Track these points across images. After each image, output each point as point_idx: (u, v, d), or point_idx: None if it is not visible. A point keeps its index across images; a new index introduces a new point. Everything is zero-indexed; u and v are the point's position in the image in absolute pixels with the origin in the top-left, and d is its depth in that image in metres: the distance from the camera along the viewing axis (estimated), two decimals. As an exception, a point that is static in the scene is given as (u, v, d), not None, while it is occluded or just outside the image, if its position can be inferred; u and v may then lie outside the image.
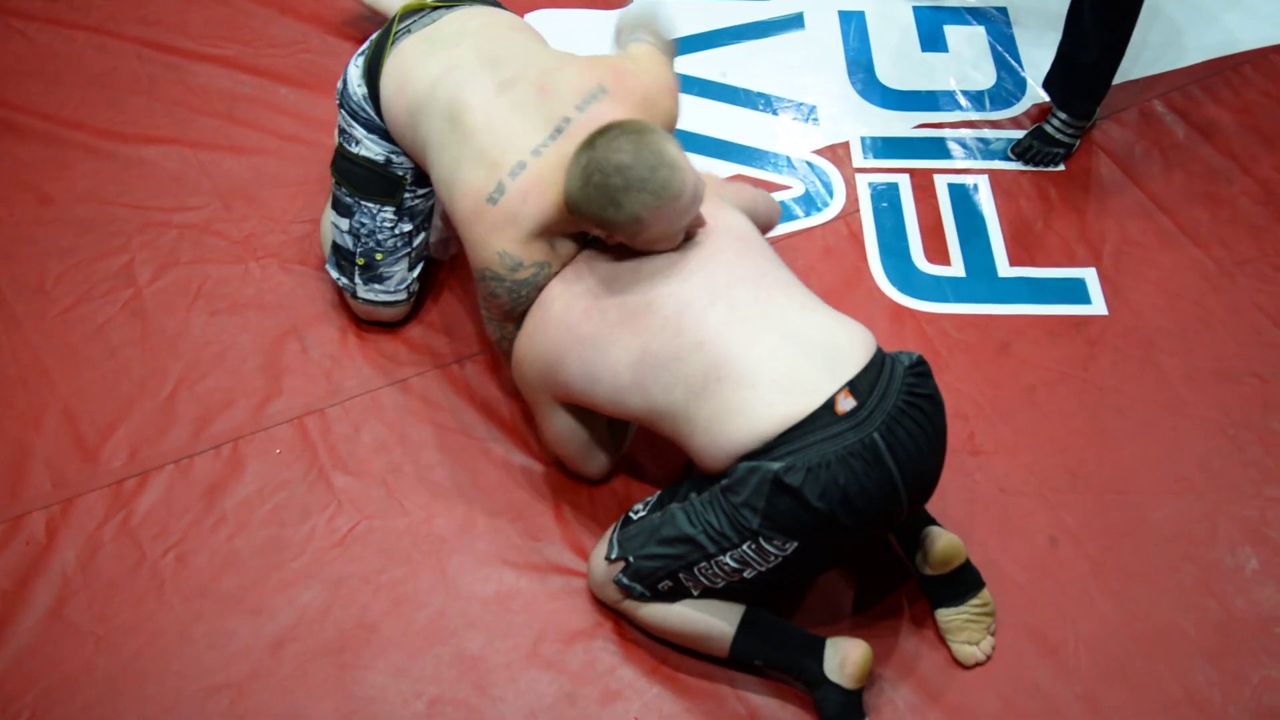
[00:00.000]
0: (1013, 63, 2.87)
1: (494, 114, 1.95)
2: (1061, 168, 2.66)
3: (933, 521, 1.99)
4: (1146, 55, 2.84)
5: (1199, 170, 2.66)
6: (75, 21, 2.80)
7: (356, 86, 2.16)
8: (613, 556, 1.90)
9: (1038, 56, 2.87)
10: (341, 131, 2.21)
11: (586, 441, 2.05)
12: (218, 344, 2.32)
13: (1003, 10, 2.97)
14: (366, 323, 2.33)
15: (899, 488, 1.77)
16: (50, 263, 2.41)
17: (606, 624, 2.00)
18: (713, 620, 1.89)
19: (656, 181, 1.76)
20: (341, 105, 2.20)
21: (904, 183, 2.64)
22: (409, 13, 2.16)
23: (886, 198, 2.62)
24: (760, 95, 2.79)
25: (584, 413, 2.01)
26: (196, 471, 2.15)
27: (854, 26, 2.93)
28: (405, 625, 1.99)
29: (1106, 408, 2.28)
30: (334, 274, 2.28)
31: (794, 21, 2.94)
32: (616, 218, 1.79)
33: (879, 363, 1.81)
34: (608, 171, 1.77)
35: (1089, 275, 2.49)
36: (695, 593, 1.87)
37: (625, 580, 1.89)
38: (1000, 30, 2.93)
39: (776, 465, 1.72)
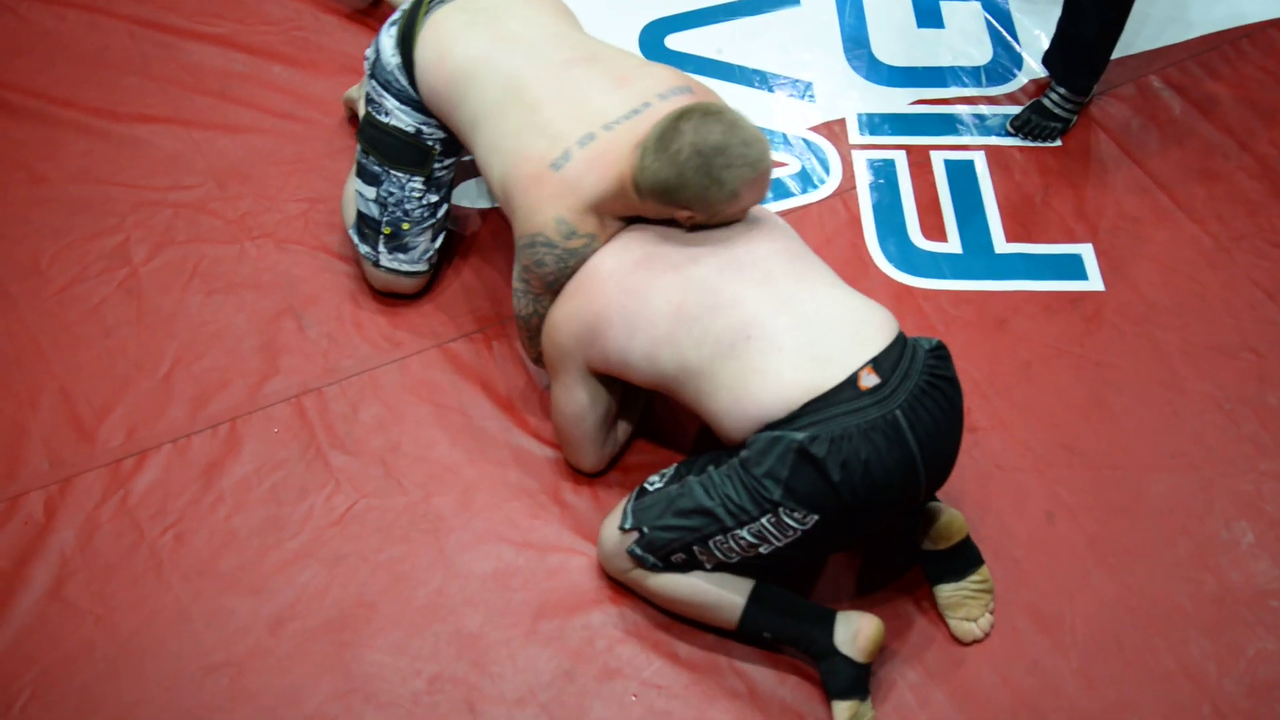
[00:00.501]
0: (1009, 39, 2.86)
1: (564, 87, 1.98)
2: (1059, 143, 2.65)
3: (934, 498, 2.00)
4: (1144, 31, 2.83)
5: (1196, 146, 2.65)
6: (66, 0, 2.78)
7: (390, 56, 2.15)
8: (627, 526, 1.91)
9: (1034, 33, 2.86)
10: (370, 101, 2.21)
11: (597, 423, 2.05)
12: (214, 323, 2.31)
13: (999, -15, 2.96)
14: (382, 294, 2.33)
15: (918, 467, 1.79)
16: (44, 243, 2.40)
17: (605, 601, 2.01)
18: (723, 591, 1.89)
19: (753, 155, 1.83)
20: (373, 75, 2.19)
21: (900, 159, 2.63)
22: None
23: (883, 174, 2.61)
24: (756, 72, 2.78)
25: (602, 394, 2.02)
26: (194, 451, 2.15)
27: (850, 2, 2.92)
28: (404, 603, 2.00)
29: (1103, 383, 2.29)
30: (357, 241, 2.28)
31: (790, -2, 2.93)
32: (718, 195, 1.84)
33: (901, 344, 1.84)
34: (707, 153, 1.81)
35: (1086, 251, 2.49)
36: (708, 566, 1.88)
37: (638, 551, 1.90)
38: (996, 6, 2.92)
39: (801, 435, 1.74)
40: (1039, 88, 2.75)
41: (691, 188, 1.83)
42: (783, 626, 1.90)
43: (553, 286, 1.99)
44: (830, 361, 1.78)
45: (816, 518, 1.77)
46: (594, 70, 2.02)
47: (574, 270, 1.96)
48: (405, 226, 2.21)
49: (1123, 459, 2.19)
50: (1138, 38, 2.81)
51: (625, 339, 1.90)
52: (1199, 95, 2.73)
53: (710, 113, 1.83)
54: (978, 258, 2.48)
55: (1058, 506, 2.13)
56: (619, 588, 2.01)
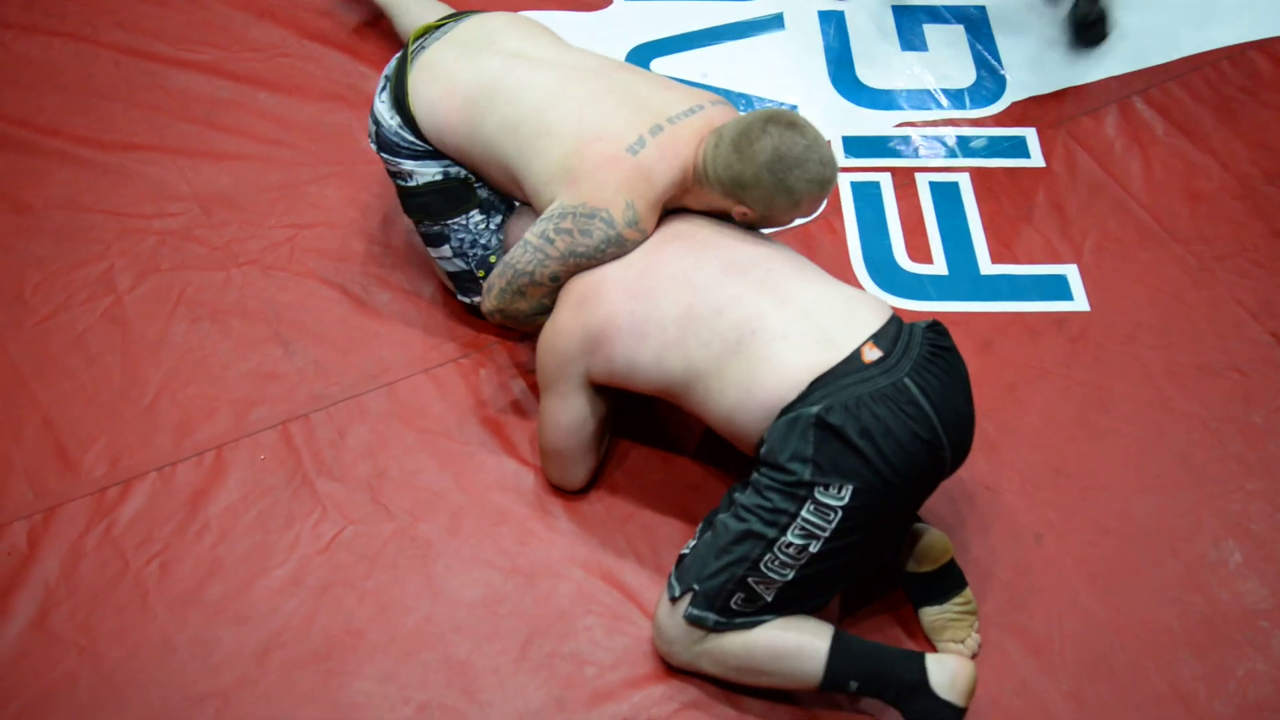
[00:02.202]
0: (992, 61, 2.88)
1: (615, 86, 2.03)
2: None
3: (918, 519, 2.00)
4: (1126, 53, 2.85)
5: (1178, 167, 2.67)
6: (51, 28, 2.78)
7: (389, 119, 2.15)
8: (676, 594, 1.86)
9: (1016, 55, 2.88)
10: (392, 176, 2.20)
11: (587, 440, 2.05)
12: (199, 351, 2.30)
13: (981, 9, 2.98)
14: (520, 336, 2.31)
15: (938, 429, 1.82)
16: (28, 271, 2.39)
17: (594, 627, 2.00)
18: (804, 637, 1.84)
19: (826, 175, 1.92)
20: (380, 150, 2.18)
21: (885, 181, 2.64)
22: (417, 38, 2.18)
23: (868, 196, 2.62)
24: (741, 95, 2.79)
25: (598, 405, 2.02)
26: (179, 479, 2.14)
27: (834, 26, 2.94)
28: (392, 631, 1.99)
29: (1089, 404, 2.29)
30: (469, 302, 2.29)
31: (774, 22, 2.94)
32: (783, 202, 1.93)
33: (897, 323, 1.89)
34: (788, 160, 1.89)
35: (1070, 272, 2.50)
36: (769, 597, 1.82)
37: (696, 612, 1.84)
38: (980, 29, 2.94)
39: (815, 408, 1.77)
40: (1022, 109, 2.77)
41: (762, 187, 1.91)
42: (873, 673, 1.83)
43: (569, 263, 1.97)
44: (832, 341, 1.83)
45: (852, 487, 1.77)
46: (637, 75, 2.10)
47: (602, 261, 1.96)
48: (492, 259, 2.21)
49: (1110, 479, 2.19)
50: (1119, 60, 2.83)
51: (635, 345, 1.91)
52: (1181, 116, 2.76)
53: (796, 123, 1.91)
54: (963, 279, 2.49)
55: (1046, 528, 2.13)
56: (608, 613, 2.00)
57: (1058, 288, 2.48)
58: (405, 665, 1.95)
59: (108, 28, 2.79)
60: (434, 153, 2.15)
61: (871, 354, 1.82)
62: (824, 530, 1.79)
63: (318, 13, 2.85)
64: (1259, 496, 2.17)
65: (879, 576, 2.04)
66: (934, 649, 1.97)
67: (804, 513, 1.79)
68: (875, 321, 1.87)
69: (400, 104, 2.13)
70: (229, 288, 2.39)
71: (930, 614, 1.97)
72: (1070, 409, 2.29)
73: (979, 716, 1.92)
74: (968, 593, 1.98)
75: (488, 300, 2.10)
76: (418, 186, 2.17)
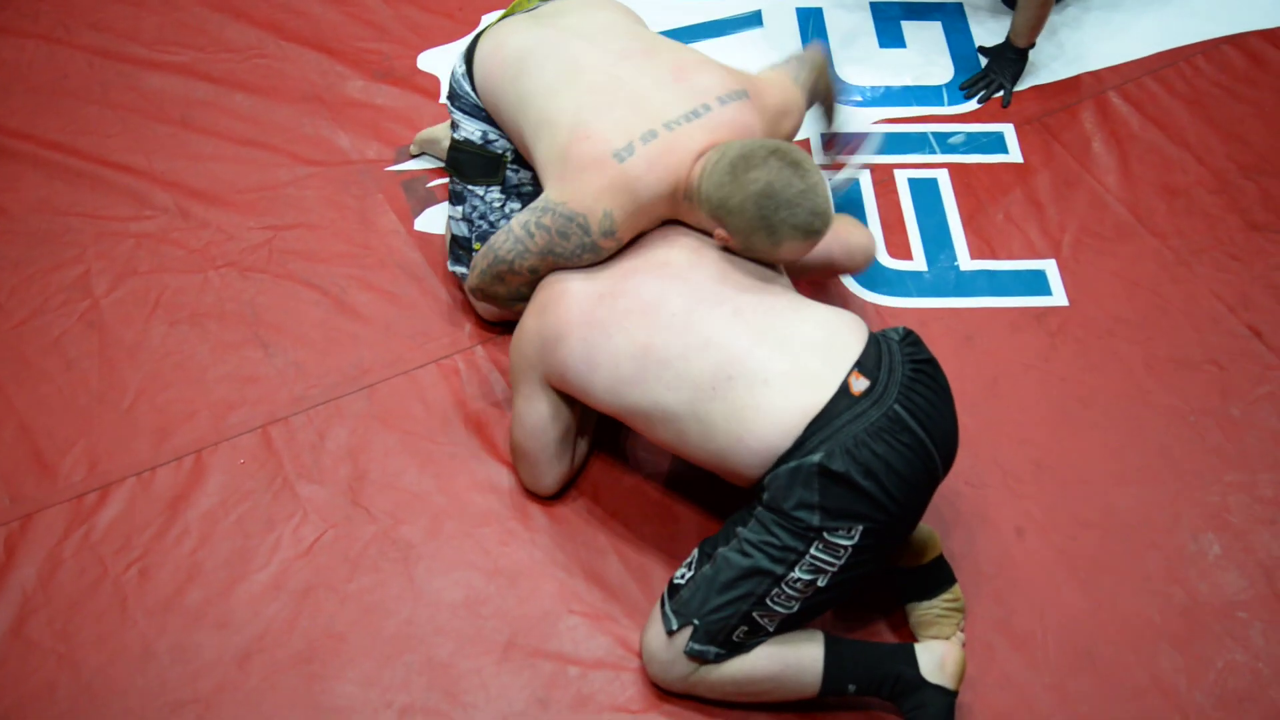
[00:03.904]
0: (969, 57, 2.89)
1: (622, 76, 1.97)
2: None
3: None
4: (1101, 49, 2.87)
5: (1154, 161, 2.69)
6: (24, 29, 2.76)
7: (457, 67, 2.19)
8: (674, 628, 1.83)
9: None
10: (452, 127, 2.24)
11: (555, 441, 2.04)
12: (178, 354, 2.29)
13: (958, 6, 2.99)
14: (491, 323, 2.31)
15: (930, 449, 1.81)
16: (3, 275, 2.37)
17: (577, 628, 1.99)
18: (800, 651, 1.84)
19: (814, 225, 1.86)
20: (449, 99, 2.23)
21: (864, 178, 2.65)
22: (511, 11, 2.21)
23: (847, 194, 2.62)
24: (720, 93, 2.79)
25: (563, 409, 2.00)
26: (158, 484, 2.12)
27: (812, 24, 2.94)
28: (374, 634, 1.98)
29: (1069, 398, 2.30)
30: (453, 268, 2.29)
31: (752, 19, 2.94)
32: (762, 240, 1.87)
33: (876, 342, 1.86)
34: (777, 199, 1.82)
35: (1049, 267, 2.51)
36: (771, 628, 1.82)
37: (697, 647, 1.82)
38: (956, 25, 2.95)
39: (817, 456, 1.74)
40: (1000, 107, 2.78)
41: (746, 218, 1.85)
42: (868, 673, 1.84)
43: (547, 260, 1.96)
44: (817, 378, 1.79)
45: (861, 527, 1.76)
46: (650, 63, 2.01)
47: (579, 264, 1.95)
48: (501, 307, 2.18)
49: (1090, 473, 2.20)
50: (1095, 55, 2.84)
51: (586, 371, 1.89)
52: (1156, 111, 2.77)
53: (799, 164, 1.84)
54: (943, 275, 2.49)
55: (1027, 522, 2.14)
56: (591, 612, 2.00)
57: (1037, 283, 2.49)
58: (387, 668, 1.95)
59: (81, 29, 2.77)
60: (481, 111, 2.17)
61: (859, 384, 1.79)
62: (833, 566, 1.78)
63: (294, 13, 2.84)
64: (1237, 488, 2.19)
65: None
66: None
67: (813, 550, 1.77)
68: (856, 346, 1.83)
69: (469, 56, 2.17)
70: (207, 290, 2.38)
71: (918, 608, 1.98)
72: (1051, 403, 2.30)
73: (963, 712, 1.92)
74: (957, 589, 1.98)
75: (471, 277, 2.11)
76: (459, 140, 2.21)
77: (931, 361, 1.88)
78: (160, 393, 2.23)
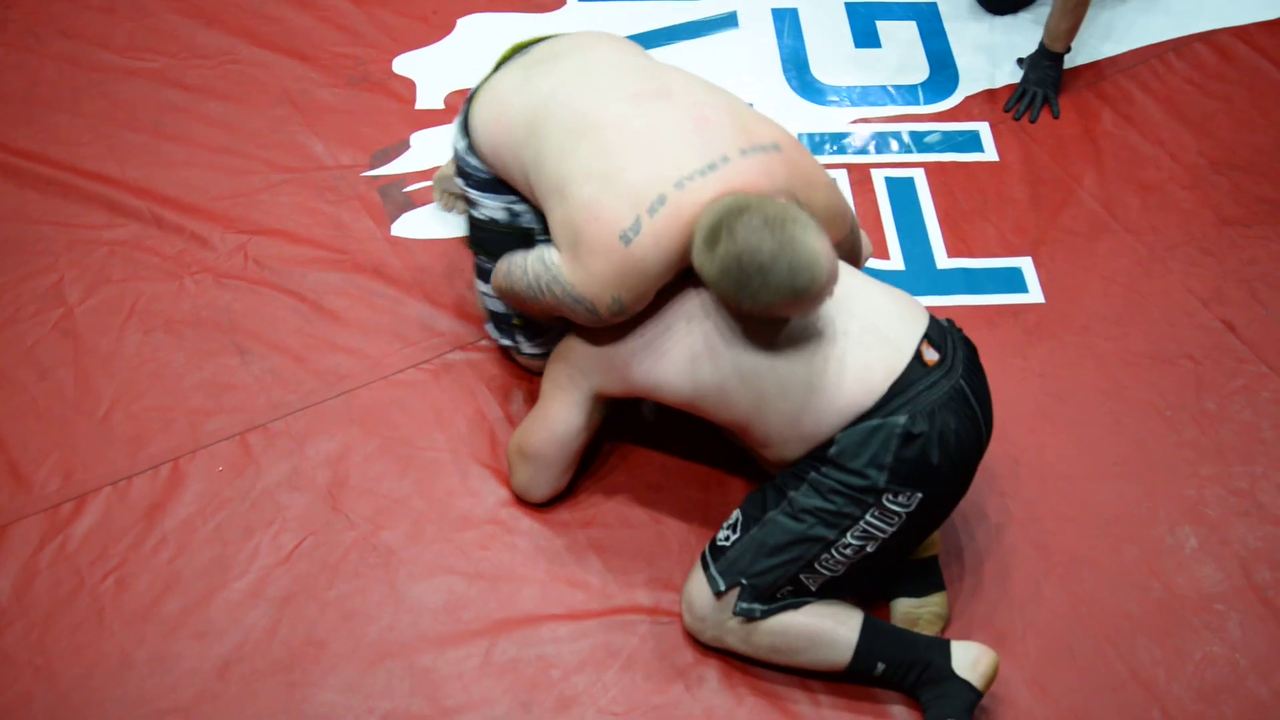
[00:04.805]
0: (944, 56, 2.90)
1: (636, 129, 1.82)
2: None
3: None
4: (1073, 47, 2.89)
5: (1128, 158, 2.71)
6: (-7, 38, 2.74)
7: (458, 143, 2.06)
8: (722, 589, 1.86)
9: (969, 49, 2.91)
10: (466, 202, 2.11)
11: (574, 453, 2.03)
12: (153, 362, 2.27)
13: (933, 5, 3.00)
14: (466, 327, 2.32)
15: (983, 429, 1.86)
16: (-25, 285, 2.36)
17: (559, 630, 1.99)
18: (838, 621, 1.87)
19: (798, 283, 1.69)
20: (458, 175, 2.11)
21: (842, 178, 2.66)
22: (504, 60, 2.07)
23: (824, 193, 2.63)
24: (696, 95, 2.79)
25: (592, 423, 1.99)
26: (135, 493, 2.11)
27: (788, 24, 2.95)
28: (355, 640, 1.97)
29: (1047, 394, 2.32)
30: (496, 337, 2.23)
31: (728, 20, 2.95)
32: (750, 305, 1.74)
33: (934, 319, 1.89)
34: (748, 268, 1.68)
35: (1025, 264, 2.52)
36: (814, 588, 1.85)
37: (745, 605, 1.85)
38: (932, 26, 2.97)
39: (903, 419, 1.77)
40: (975, 104, 2.80)
41: (727, 291, 1.73)
42: (900, 655, 1.86)
43: (555, 315, 1.93)
44: (894, 342, 1.82)
45: (920, 495, 1.79)
46: (669, 108, 1.85)
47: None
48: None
49: (1069, 469, 2.22)
50: (1067, 55, 2.86)
51: (654, 363, 1.87)
52: (1129, 108, 2.79)
53: (770, 220, 1.68)
54: (920, 274, 2.50)
55: (1006, 518, 2.15)
56: (573, 615, 2.00)
57: (1013, 280, 2.50)
58: (369, 674, 1.94)
59: (52, 36, 2.75)
60: (497, 183, 2.04)
61: (930, 354, 1.82)
62: (884, 533, 1.81)
63: (266, 19, 2.83)
64: (1213, 481, 2.20)
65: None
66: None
67: (868, 517, 1.80)
68: (923, 318, 1.86)
69: (465, 128, 2.05)
70: (182, 297, 2.36)
71: (904, 605, 1.98)
72: (1028, 400, 2.31)
73: (944, 707, 1.93)
74: (944, 597, 1.99)
75: (494, 278, 2.04)
76: (481, 220, 2.08)
77: (976, 348, 1.92)
78: (136, 401, 2.22)
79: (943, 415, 1.78)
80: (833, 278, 1.72)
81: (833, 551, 1.82)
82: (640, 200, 1.78)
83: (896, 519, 1.80)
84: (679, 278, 1.86)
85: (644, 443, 2.21)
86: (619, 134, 1.83)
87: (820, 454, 1.82)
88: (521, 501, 2.12)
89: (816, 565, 1.83)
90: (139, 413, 2.20)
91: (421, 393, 2.26)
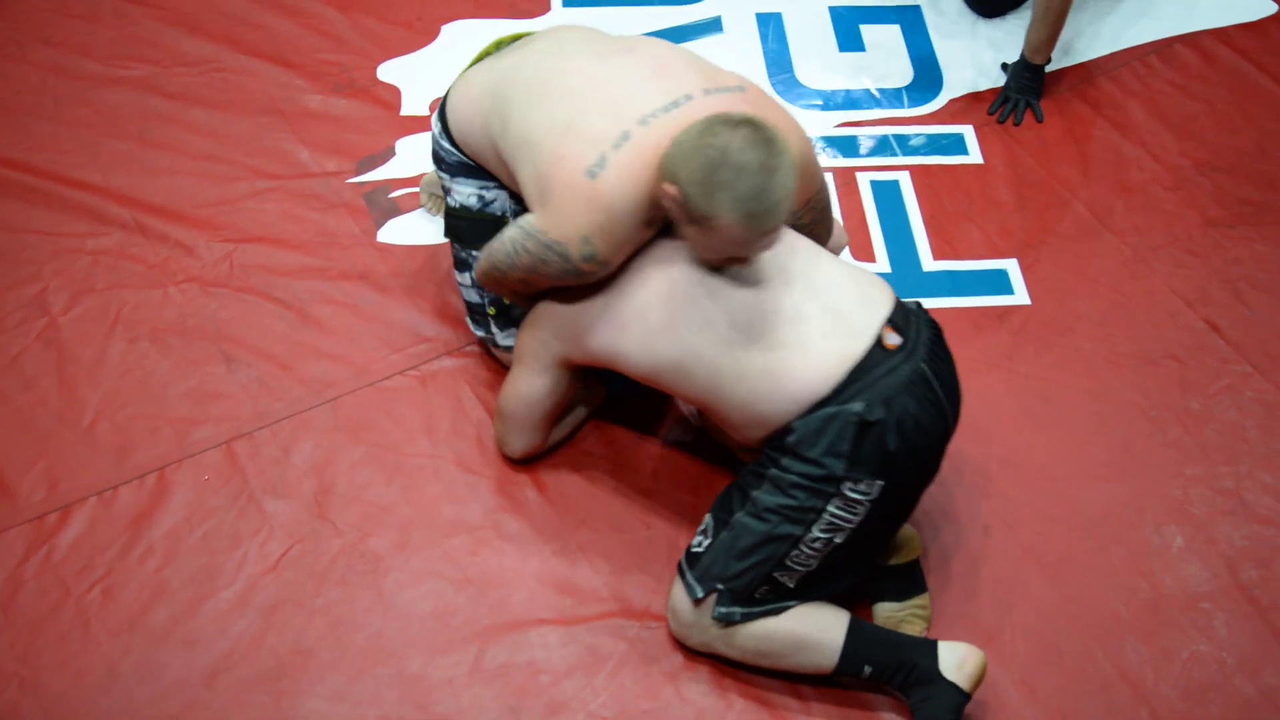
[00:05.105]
0: (928, 59, 2.91)
1: (598, 75, 1.85)
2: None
3: None
4: (1055, 49, 2.90)
5: (1111, 160, 2.72)
6: (-26, 47, 2.73)
7: (434, 127, 2.11)
8: (699, 596, 1.86)
9: (952, 52, 2.92)
10: (444, 192, 2.16)
11: (547, 414, 2.05)
12: (138, 371, 2.26)
13: (916, 9, 3.01)
14: (454, 334, 2.32)
15: (947, 412, 1.84)
16: (-41, 295, 2.34)
17: (548, 635, 1.99)
18: (823, 624, 1.86)
19: (757, 207, 1.67)
20: (434, 164, 2.15)
21: (827, 182, 2.65)
22: (484, 55, 2.11)
23: (810, 197, 2.64)
24: (681, 99, 2.79)
25: (560, 389, 2.01)
26: (121, 502, 2.10)
27: (772, 28, 2.96)
28: (343, 648, 1.96)
29: (1033, 395, 2.32)
30: (473, 330, 2.25)
31: (712, 25, 2.95)
32: (698, 207, 1.69)
33: (899, 301, 1.88)
34: (725, 165, 1.65)
35: (1011, 266, 2.53)
36: (792, 585, 1.85)
37: (723, 610, 1.85)
38: (916, 29, 2.98)
39: (858, 406, 1.75)
40: (959, 107, 2.81)
41: (690, 172, 1.68)
42: (887, 657, 1.85)
43: (533, 277, 1.90)
44: (853, 327, 1.80)
45: (881, 484, 1.78)
46: (632, 58, 1.88)
47: (569, 285, 1.90)
48: (506, 301, 2.15)
49: (1056, 470, 2.22)
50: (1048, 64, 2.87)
51: (615, 333, 1.87)
52: (1112, 110, 2.81)
53: (772, 143, 1.66)
54: (906, 276, 2.51)
55: (994, 519, 2.16)
56: (562, 619, 2.00)
57: (999, 282, 2.51)
58: (357, 682, 1.93)
59: (34, 45, 2.74)
60: (470, 167, 2.08)
61: (892, 338, 1.80)
62: (850, 523, 1.81)
63: (251, 26, 2.82)
64: (1198, 481, 2.21)
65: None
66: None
67: (830, 508, 1.79)
68: (887, 302, 1.84)
69: (443, 111, 2.09)
70: (167, 306, 2.35)
71: (886, 609, 1.98)
72: (1015, 401, 2.31)
73: (933, 709, 1.93)
74: (926, 598, 1.99)
75: (477, 265, 2.03)
76: (455, 208, 2.12)
77: (942, 331, 1.91)
78: (121, 410, 2.21)
79: (902, 401, 1.77)
80: (781, 228, 1.72)
81: (802, 547, 1.82)
82: (604, 138, 1.79)
83: (860, 508, 1.79)
84: (646, 248, 1.87)
85: (633, 445, 2.21)
86: (582, 81, 1.86)
87: (780, 442, 1.82)
88: (510, 506, 2.12)
89: (788, 563, 1.83)
90: (124, 422, 2.19)
91: (408, 399, 2.26)
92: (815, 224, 2.05)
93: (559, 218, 1.83)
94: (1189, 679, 1.98)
